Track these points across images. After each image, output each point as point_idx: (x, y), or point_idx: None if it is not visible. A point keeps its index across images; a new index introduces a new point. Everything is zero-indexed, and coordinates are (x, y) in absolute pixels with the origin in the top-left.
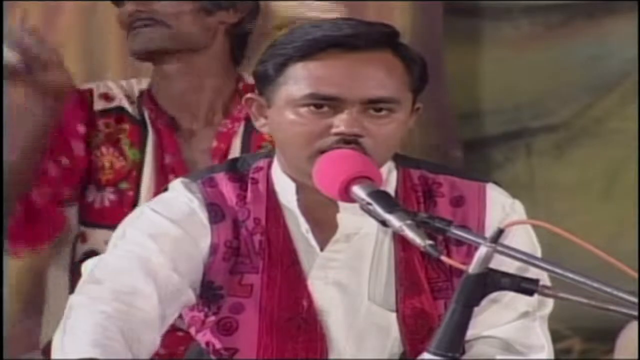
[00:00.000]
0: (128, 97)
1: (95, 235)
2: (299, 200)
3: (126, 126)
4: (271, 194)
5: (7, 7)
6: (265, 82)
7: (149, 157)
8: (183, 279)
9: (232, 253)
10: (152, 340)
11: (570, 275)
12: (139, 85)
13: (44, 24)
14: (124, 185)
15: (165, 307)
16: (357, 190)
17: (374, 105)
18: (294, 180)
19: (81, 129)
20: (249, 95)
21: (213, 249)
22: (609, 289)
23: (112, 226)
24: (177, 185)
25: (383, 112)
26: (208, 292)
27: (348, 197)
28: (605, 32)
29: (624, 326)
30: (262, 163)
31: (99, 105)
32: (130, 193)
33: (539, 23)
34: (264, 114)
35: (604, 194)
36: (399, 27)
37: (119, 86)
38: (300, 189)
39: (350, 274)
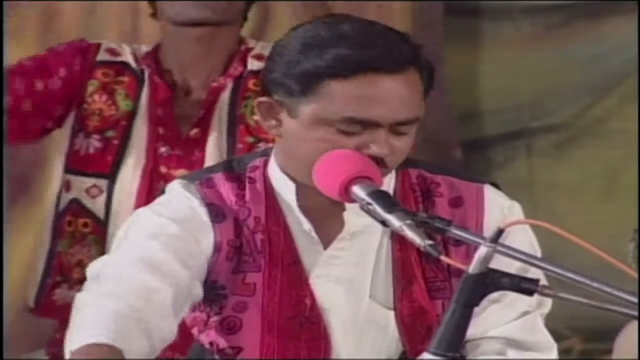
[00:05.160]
0: (134, 55)
1: (78, 183)
2: (299, 200)
3: (125, 79)
4: (270, 193)
5: (7, 7)
6: (286, 93)
7: (141, 109)
8: (191, 273)
9: (235, 252)
10: (170, 329)
11: (570, 275)
12: (147, 49)
13: (43, 24)
14: (110, 134)
15: (178, 301)
16: (357, 190)
17: (401, 126)
18: (293, 180)
19: (62, 72)
20: (261, 99)
21: (216, 248)
22: (609, 289)
23: (95, 174)
24: (175, 186)
25: (406, 129)
26: (211, 292)
27: (348, 197)
28: (605, 32)
29: (624, 326)
30: (257, 162)
31: (102, 56)
32: (116, 142)
33: (540, 23)
34: (275, 116)
35: (604, 194)
36: (399, 27)
37: (129, 47)
38: (302, 189)
39: (353, 272)
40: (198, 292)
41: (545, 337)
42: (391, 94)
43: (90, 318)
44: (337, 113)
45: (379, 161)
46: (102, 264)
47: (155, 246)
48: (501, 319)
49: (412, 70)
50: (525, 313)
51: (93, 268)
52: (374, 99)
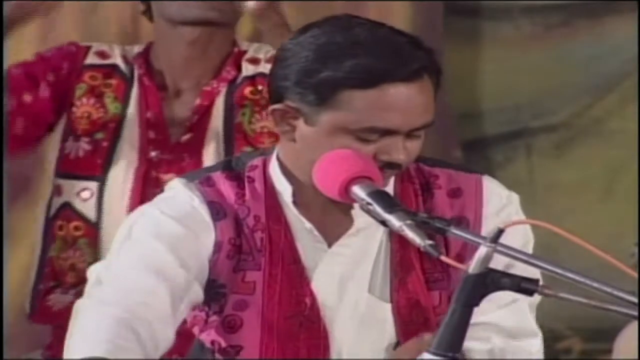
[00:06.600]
0: (124, 57)
1: (69, 187)
2: (298, 200)
3: (113, 81)
4: (270, 192)
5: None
6: (301, 101)
7: (131, 111)
8: (191, 275)
9: (235, 251)
10: (167, 336)
11: (570, 275)
12: (138, 49)
13: (44, 23)
14: (99, 136)
15: (176, 304)
16: (357, 190)
17: (417, 131)
18: (291, 182)
19: (51, 77)
20: (276, 107)
21: (217, 246)
22: (609, 289)
23: (85, 177)
24: (175, 184)
25: (419, 133)
26: (211, 291)
27: (348, 197)
28: (605, 32)
29: (623, 326)
30: (256, 161)
31: (90, 60)
32: (105, 144)
33: (539, 23)
34: (289, 121)
35: (604, 194)
36: (399, 27)
37: (119, 48)
38: (305, 189)
39: (356, 268)
40: (198, 294)
41: (530, 325)
42: (409, 102)
43: (88, 326)
44: (358, 122)
45: (394, 166)
46: (104, 267)
47: (159, 247)
48: (488, 307)
49: (426, 77)
50: (514, 300)
51: (94, 271)
52: (393, 108)
